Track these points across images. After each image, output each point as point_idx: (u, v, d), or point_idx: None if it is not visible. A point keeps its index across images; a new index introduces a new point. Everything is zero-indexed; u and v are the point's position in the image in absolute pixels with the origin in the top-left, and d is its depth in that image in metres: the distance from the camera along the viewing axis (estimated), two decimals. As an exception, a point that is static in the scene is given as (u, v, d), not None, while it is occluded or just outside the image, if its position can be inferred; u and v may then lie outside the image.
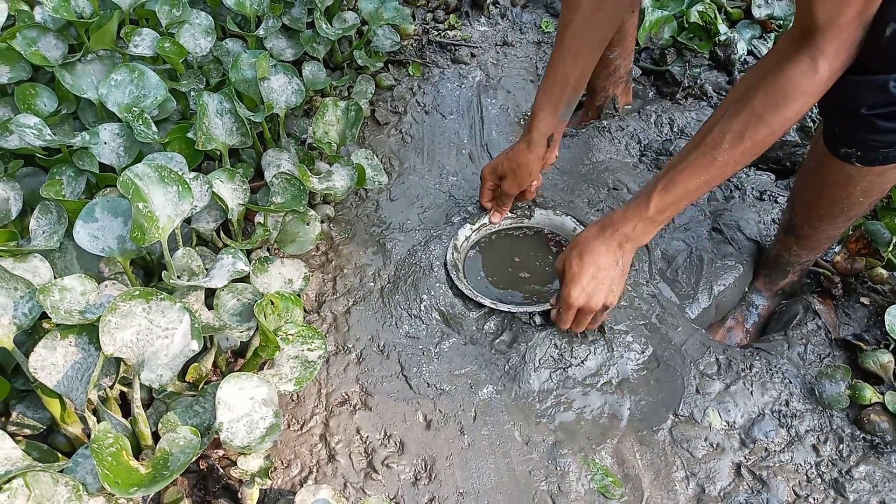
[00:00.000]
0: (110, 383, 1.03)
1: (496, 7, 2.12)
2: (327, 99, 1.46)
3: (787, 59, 0.93)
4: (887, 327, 1.24)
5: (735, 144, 0.99)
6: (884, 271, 1.38)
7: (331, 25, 1.73)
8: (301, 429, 1.17)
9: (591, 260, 1.15)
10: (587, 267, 1.15)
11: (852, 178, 1.09)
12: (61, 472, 0.90)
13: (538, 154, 1.33)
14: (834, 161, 1.08)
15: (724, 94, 1.82)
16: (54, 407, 1.00)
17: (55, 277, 1.06)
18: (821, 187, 1.16)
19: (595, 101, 1.77)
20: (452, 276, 1.35)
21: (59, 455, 1.03)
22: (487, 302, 1.31)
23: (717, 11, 1.94)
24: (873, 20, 0.87)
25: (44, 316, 1.01)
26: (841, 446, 1.17)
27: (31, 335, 1.05)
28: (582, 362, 1.26)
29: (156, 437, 0.99)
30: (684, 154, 1.06)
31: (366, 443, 1.15)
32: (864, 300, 1.36)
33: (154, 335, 0.95)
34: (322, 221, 1.47)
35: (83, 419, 0.99)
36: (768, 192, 1.58)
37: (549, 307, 1.27)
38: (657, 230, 1.14)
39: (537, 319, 1.30)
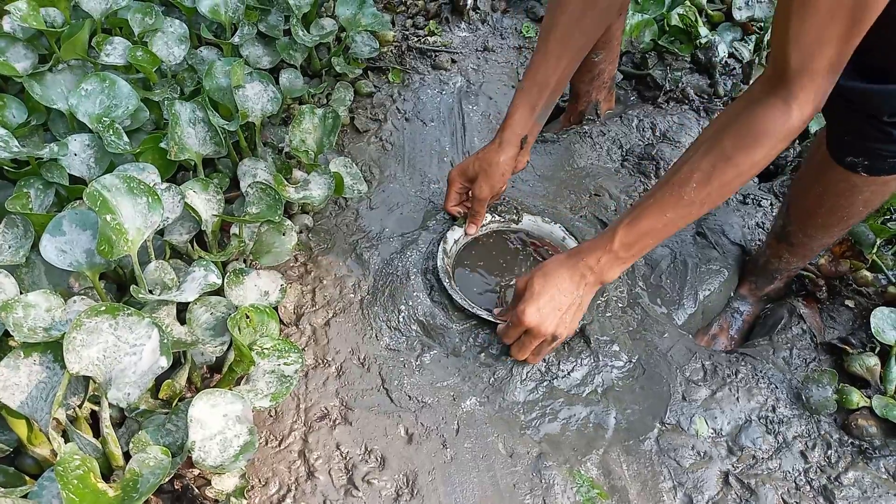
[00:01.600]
0: (79, 402, 0.99)
1: (476, 13, 2.10)
2: (304, 106, 1.43)
3: (759, 102, 0.92)
4: (873, 330, 1.23)
5: (703, 184, 0.98)
6: (868, 274, 1.37)
7: (308, 32, 1.71)
8: (279, 445, 1.14)
9: (554, 283, 1.12)
10: (548, 289, 1.12)
11: (856, 188, 1.08)
12: (25, 496, 0.87)
13: (511, 154, 1.29)
14: (837, 170, 1.05)
15: (706, 97, 1.81)
16: (20, 428, 0.96)
17: (21, 293, 1.03)
18: (821, 195, 1.14)
19: (578, 106, 1.75)
20: (445, 283, 1.29)
21: (27, 478, 0.99)
22: (483, 313, 1.25)
23: (697, 14, 1.94)
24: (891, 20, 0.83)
25: (8, 333, 0.98)
26: (829, 452, 1.15)
27: (-5, 354, 1.02)
28: (568, 374, 1.24)
29: (127, 457, 0.96)
30: (653, 191, 1.04)
31: (346, 458, 1.12)
32: (849, 303, 1.35)
33: (121, 352, 0.91)
34: (300, 231, 1.44)
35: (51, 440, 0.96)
36: (752, 196, 1.57)
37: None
38: (622, 268, 1.11)
39: None
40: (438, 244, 1.37)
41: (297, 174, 1.45)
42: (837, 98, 0.93)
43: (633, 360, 1.26)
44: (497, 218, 1.44)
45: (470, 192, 1.37)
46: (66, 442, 0.95)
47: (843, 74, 0.88)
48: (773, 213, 1.52)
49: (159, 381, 1.06)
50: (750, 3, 1.97)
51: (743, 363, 1.25)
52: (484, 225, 1.44)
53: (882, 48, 0.88)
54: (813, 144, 1.16)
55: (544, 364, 1.23)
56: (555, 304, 1.12)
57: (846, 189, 1.09)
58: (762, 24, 1.95)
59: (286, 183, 1.33)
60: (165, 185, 1.18)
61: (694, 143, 1.03)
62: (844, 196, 1.11)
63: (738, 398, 1.20)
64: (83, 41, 1.43)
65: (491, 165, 1.30)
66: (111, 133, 1.26)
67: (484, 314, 1.25)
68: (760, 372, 1.24)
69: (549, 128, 1.82)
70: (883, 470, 1.13)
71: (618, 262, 1.09)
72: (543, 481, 1.11)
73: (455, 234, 1.40)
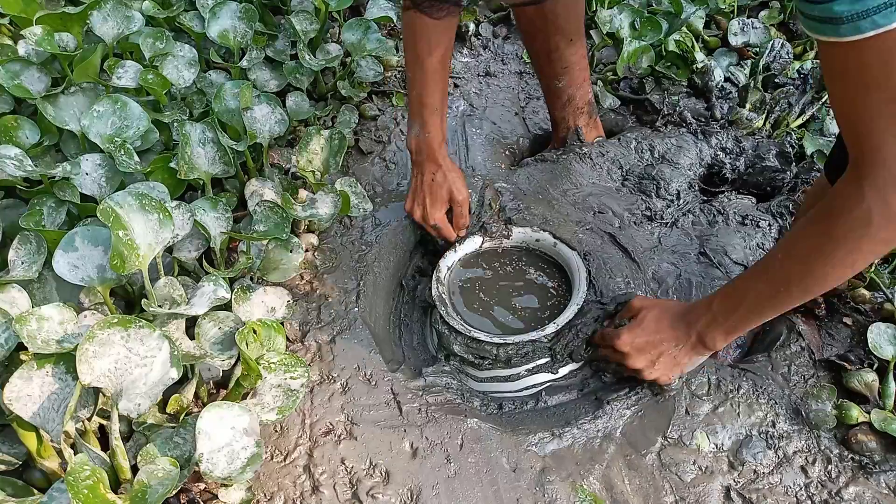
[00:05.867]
0: (88, 415, 1.01)
1: (478, 38, 2.15)
2: (311, 128, 1.47)
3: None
4: (870, 345, 1.24)
5: (816, 285, 0.98)
6: (866, 291, 1.39)
7: (314, 57, 1.75)
8: (284, 460, 1.14)
9: (658, 325, 1.15)
10: (651, 325, 1.15)
11: None
12: (36, 506, 0.88)
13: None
14: None
15: (703, 120, 1.84)
16: (30, 440, 0.98)
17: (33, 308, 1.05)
18: None
19: (559, 133, 1.76)
20: (442, 312, 1.31)
21: (35, 491, 1.00)
22: (483, 336, 1.27)
23: (694, 40, 1.98)
24: None
25: (21, 347, 0.99)
26: (829, 467, 1.16)
27: (7, 367, 1.03)
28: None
29: (135, 470, 0.97)
30: (763, 264, 1.06)
31: (350, 473, 1.13)
32: (847, 320, 1.36)
33: (132, 364, 0.93)
34: (307, 250, 1.46)
35: (60, 453, 0.97)
36: (750, 217, 1.59)
37: (543, 330, 1.25)
38: (724, 337, 1.11)
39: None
40: (432, 273, 1.39)
41: (304, 194, 1.48)
42: None
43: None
44: (488, 238, 1.47)
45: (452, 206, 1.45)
46: (74, 454, 0.96)
47: None
48: (773, 235, 1.54)
49: (167, 395, 1.08)
50: (745, 28, 2.02)
51: (744, 378, 1.26)
52: (477, 249, 1.47)
53: None
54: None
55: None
56: (649, 345, 1.15)
57: None
58: (757, 49, 1.99)
59: (293, 201, 1.36)
60: (175, 203, 1.21)
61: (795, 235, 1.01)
62: None
63: (738, 413, 1.21)
64: (95, 65, 1.46)
65: (465, 186, 1.43)
66: (122, 153, 1.29)
67: (482, 336, 1.27)
68: (760, 388, 1.25)
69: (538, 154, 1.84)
70: (884, 485, 1.13)
71: (718, 328, 1.10)
72: (546, 496, 1.12)
73: (447, 262, 1.42)
